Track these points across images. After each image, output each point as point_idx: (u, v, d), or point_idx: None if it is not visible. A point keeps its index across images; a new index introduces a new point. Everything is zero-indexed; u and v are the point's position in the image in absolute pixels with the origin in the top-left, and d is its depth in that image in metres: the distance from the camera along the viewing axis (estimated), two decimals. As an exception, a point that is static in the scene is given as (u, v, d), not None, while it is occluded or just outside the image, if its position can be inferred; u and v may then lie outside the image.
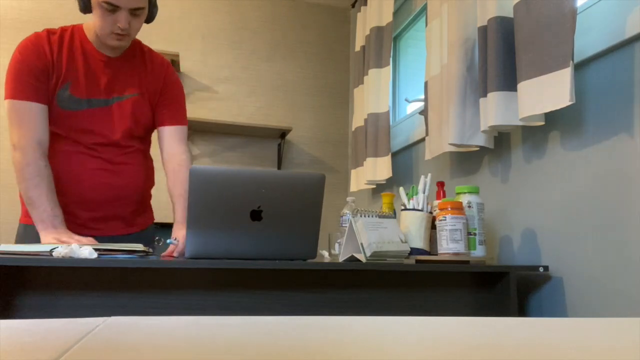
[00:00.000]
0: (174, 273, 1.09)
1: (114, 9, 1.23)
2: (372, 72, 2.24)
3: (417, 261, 1.32)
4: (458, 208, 1.32)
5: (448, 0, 1.65)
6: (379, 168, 2.14)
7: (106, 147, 1.37)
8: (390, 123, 2.39)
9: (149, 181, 1.54)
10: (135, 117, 1.39)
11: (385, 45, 2.21)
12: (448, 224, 1.31)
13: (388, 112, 2.15)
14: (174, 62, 2.75)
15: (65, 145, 1.34)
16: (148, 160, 1.52)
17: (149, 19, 1.36)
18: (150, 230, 1.57)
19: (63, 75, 1.30)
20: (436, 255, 1.32)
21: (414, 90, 2.48)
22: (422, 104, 2.18)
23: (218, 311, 1.10)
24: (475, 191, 1.38)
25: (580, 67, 1.25)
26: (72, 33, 1.34)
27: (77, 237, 1.22)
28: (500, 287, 1.25)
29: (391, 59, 2.31)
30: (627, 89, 1.11)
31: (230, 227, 1.09)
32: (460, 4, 1.57)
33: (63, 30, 1.33)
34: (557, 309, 1.27)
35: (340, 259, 1.27)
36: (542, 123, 1.30)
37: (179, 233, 1.33)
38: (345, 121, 3.08)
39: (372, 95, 2.23)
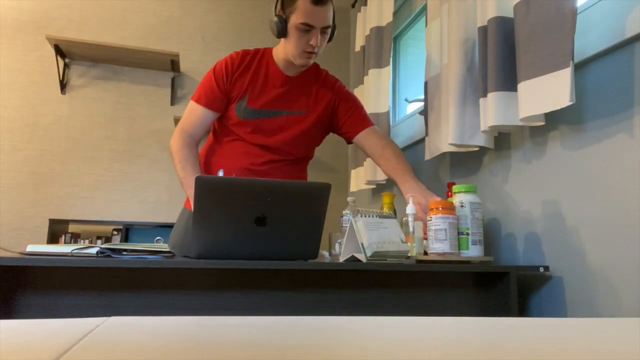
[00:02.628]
0: (174, 273, 1.09)
1: (309, 29, 1.44)
2: (372, 72, 2.24)
3: (418, 261, 1.32)
4: (448, 208, 1.32)
5: (448, 0, 1.65)
6: (378, 168, 2.14)
7: (263, 150, 1.56)
8: (390, 123, 2.39)
9: None
10: (297, 132, 1.58)
11: (385, 45, 2.21)
12: (433, 224, 1.32)
13: (388, 112, 2.15)
14: (174, 62, 2.75)
15: (234, 143, 1.58)
16: (299, 173, 1.67)
17: (330, 38, 1.54)
18: None
19: (243, 90, 1.54)
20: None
21: (414, 90, 2.48)
22: (422, 104, 2.18)
23: (218, 311, 1.10)
24: (471, 190, 1.38)
25: (580, 67, 1.25)
26: (262, 55, 1.58)
27: None
28: (501, 287, 1.25)
29: (391, 59, 2.31)
30: (627, 89, 1.11)
31: (235, 232, 1.09)
32: (460, 4, 1.57)
33: (256, 52, 1.58)
34: (557, 309, 1.27)
35: (341, 259, 1.27)
36: (542, 123, 1.30)
37: (412, 190, 1.46)
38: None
39: (372, 95, 2.22)
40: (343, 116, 1.64)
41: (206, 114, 1.54)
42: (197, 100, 1.55)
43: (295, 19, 1.44)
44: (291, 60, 1.51)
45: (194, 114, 1.55)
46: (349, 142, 1.69)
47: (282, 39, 1.51)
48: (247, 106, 1.53)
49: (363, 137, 1.64)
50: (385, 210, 1.55)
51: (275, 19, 1.46)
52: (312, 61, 1.52)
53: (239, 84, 1.53)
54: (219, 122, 1.61)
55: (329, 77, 1.66)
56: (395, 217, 1.32)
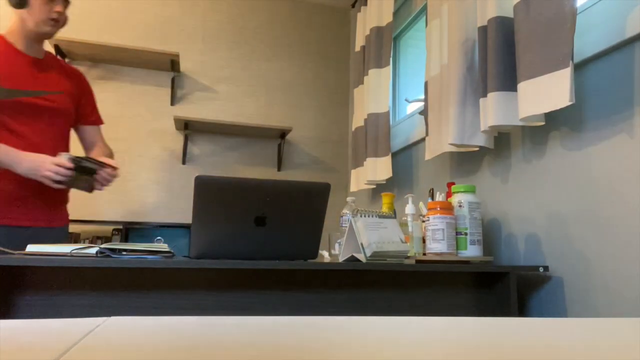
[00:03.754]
0: (174, 273, 1.09)
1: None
2: (372, 72, 2.24)
3: (417, 261, 1.32)
4: (446, 208, 1.32)
5: (448, 0, 1.65)
6: (379, 168, 2.14)
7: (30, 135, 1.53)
8: (390, 123, 2.39)
9: None
10: (59, 108, 1.60)
11: (385, 45, 2.21)
12: (431, 224, 1.32)
13: (388, 112, 2.15)
14: (174, 62, 2.75)
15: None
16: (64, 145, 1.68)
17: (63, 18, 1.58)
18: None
19: None
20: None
21: (414, 90, 2.48)
22: (422, 104, 2.18)
23: (218, 311, 1.10)
24: (470, 190, 1.38)
25: (580, 67, 1.25)
26: None
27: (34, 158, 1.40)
28: (500, 287, 1.25)
29: (391, 59, 2.31)
30: (627, 89, 1.11)
31: (234, 231, 1.09)
32: (460, 4, 1.57)
33: None
34: (557, 309, 1.27)
35: (341, 259, 1.27)
36: (542, 123, 1.30)
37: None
38: (345, 121, 3.08)
39: (372, 95, 2.23)
40: (84, 105, 1.72)
41: None
42: None
43: None
44: (34, 30, 1.51)
45: None
46: (76, 129, 1.75)
47: (21, 13, 1.50)
48: (1, 86, 1.48)
49: (91, 131, 1.75)
50: (385, 210, 1.55)
51: None
52: (57, 30, 1.54)
53: None
54: None
55: (72, 66, 1.71)
56: (395, 217, 1.32)
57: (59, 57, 1.70)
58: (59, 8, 1.50)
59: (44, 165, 1.40)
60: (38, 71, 1.57)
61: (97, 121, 1.78)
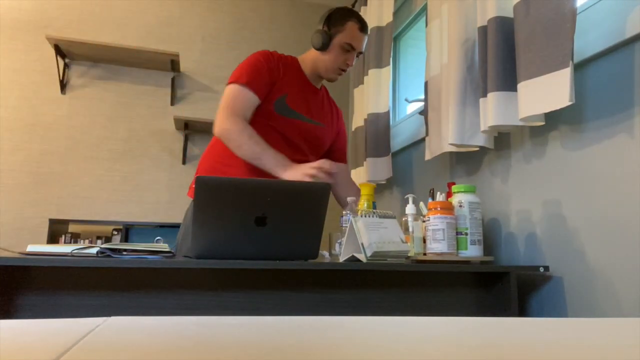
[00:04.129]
0: (174, 273, 1.09)
1: (350, 50, 1.58)
2: (372, 72, 2.24)
3: (417, 261, 1.32)
4: (446, 208, 1.32)
5: (448, 0, 1.65)
6: (379, 168, 2.14)
7: (296, 144, 1.61)
8: (390, 123, 2.39)
9: None
10: (321, 139, 1.68)
11: (385, 45, 2.21)
12: (431, 224, 1.32)
13: (388, 112, 2.15)
14: (174, 62, 2.75)
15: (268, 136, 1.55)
16: None
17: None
18: None
19: (284, 87, 1.57)
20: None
21: (414, 90, 2.48)
22: (422, 104, 2.18)
23: (218, 311, 1.10)
24: (470, 190, 1.38)
25: (580, 67, 1.25)
26: (292, 61, 1.64)
27: (312, 164, 1.41)
28: (501, 287, 1.25)
29: (391, 59, 2.31)
30: (627, 89, 1.11)
31: (235, 232, 1.09)
32: (460, 4, 1.57)
33: (284, 56, 1.63)
34: (557, 309, 1.27)
35: (341, 259, 1.27)
36: (542, 123, 1.30)
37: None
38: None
39: (372, 95, 2.23)
40: (338, 144, 1.80)
41: (254, 99, 1.51)
42: (247, 85, 1.49)
43: (341, 38, 1.57)
44: (321, 73, 1.63)
45: (243, 97, 1.49)
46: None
47: (317, 52, 1.61)
48: (287, 104, 1.57)
49: (341, 168, 1.74)
50: (364, 202, 1.54)
51: (322, 32, 1.57)
52: (338, 78, 1.64)
53: (283, 79, 1.58)
54: (256, 117, 1.55)
55: (335, 104, 1.81)
56: (395, 217, 1.32)
57: (329, 93, 1.78)
58: (351, 61, 1.59)
59: (306, 169, 1.38)
60: (316, 101, 1.67)
61: (345, 160, 1.82)
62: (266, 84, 1.53)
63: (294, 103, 1.58)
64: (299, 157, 1.60)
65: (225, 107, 1.48)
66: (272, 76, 1.55)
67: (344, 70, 1.61)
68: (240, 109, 1.48)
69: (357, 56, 1.63)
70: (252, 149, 1.42)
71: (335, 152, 1.80)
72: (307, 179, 1.34)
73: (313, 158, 1.66)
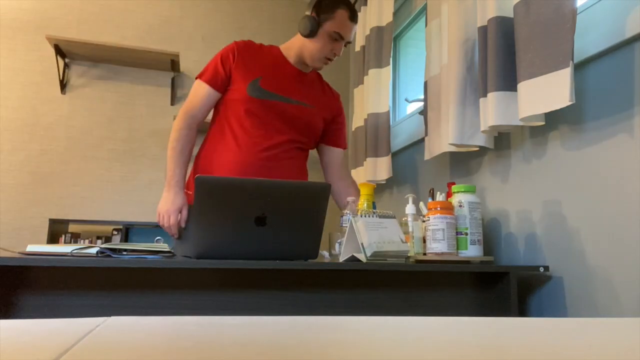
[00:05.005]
0: (174, 273, 1.09)
1: (338, 39, 1.55)
2: (372, 72, 2.24)
3: (417, 261, 1.32)
4: (446, 208, 1.32)
5: (448, 0, 1.65)
6: (379, 168, 2.14)
7: (277, 125, 1.59)
8: (391, 123, 2.39)
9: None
10: (307, 120, 1.64)
11: (385, 45, 2.21)
12: (431, 224, 1.32)
13: (388, 112, 2.15)
14: (174, 62, 2.75)
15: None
16: (301, 162, 1.71)
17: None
18: None
19: (256, 71, 1.56)
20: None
21: (414, 90, 2.48)
22: (422, 104, 2.18)
23: (218, 311, 1.10)
24: (469, 190, 1.38)
25: (580, 67, 1.25)
26: (270, 48, 1.63)
27: (173, 200, 1.46)
28: (500, 287, 1.25)
29: (391, 59, 2.31)
30: (627, 89, 1.11)
31: (235, 232, 1.09)
32: (460, 4, 1.57)
33: (262, 45, 1.63)
34: (557, 309, 1.27)
35: (341, 259, 1.27)
36: (542, 123, 1.30)
37: None
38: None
39: (372, 95, 2.23)
40: (333, 126, 1.76)
41: (213, 94, 1.57)
42: (205, 80, 1.57)
43: (329, 26, 1.53)
44: (306, 60, 1.59)
45: (198, 93, 1.57)
46: (318, 147, 1.80)
47: (304, 39, 1.57)
48: (261, 86, 1.55)
49: (334, 153, 1.79)
50: (365, 202, 1.54)
51: (310, 18, 1.53)
52: (324, 66, 1.61)
53: (250, 65, 1.56)
54: (225, 106, 1.59)
55: (332, 88, 1.76)
56: (395, 217, 1.32)
57: (323, 78, 1.76)
58: (338, 50, 1.56)
59: (168, 215, 1.46)
60: (300, 82, 1.63)
61: (341, 145, 1.80)
62: (222, 78, 1.56)
63: (269, 85, 1.56)
64: (278, 137, 1.57)
65: (185, 104, 1.60)
66: (226, 67, 1.56)
67: (330, 60, 1.58)
68: (194, 107, 1.57)
69: (345, 46, 1.59)
70: (168, 150, 1.55)
71: (330, 136, 1.77)
72: (163, 209, 1.46)
73: (299, 137, 1.62)
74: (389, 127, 2.13)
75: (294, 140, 1.61)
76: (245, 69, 1.56)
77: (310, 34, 1.54)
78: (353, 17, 1.55)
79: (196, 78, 1.60)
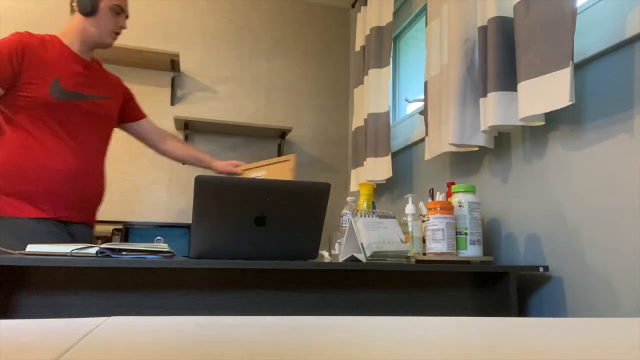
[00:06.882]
0: (174, 273, 1.09)
1: (120, 12, 1.57)
2: (372, 72, 2.24)
3: (417, 261, 1.32)
4: (446, 208, 1.32)
5: (448, 0, 1.65)
6: (379, 168, 2.14)
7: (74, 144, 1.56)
8: (391, 123, 2.39)
9: None
10: (106, 118, 1.66)
11: (385, 45, 2.21)
12: (431, 224, 1.32)
13: (388, 112, 2.15)
14: (174, 62, 2.75)
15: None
16: (101, 164, 1.71)
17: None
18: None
19: (50, 71, 1.50)
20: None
21: (414, 90, 2.48)
22: (422, 104, 2.18)
23: (218, 311, 1.10)
24: (469, 190, 1.38)
25: (580, 67, 1.25)
26: (51, 40, 1.55)
27: None
28: (500, 287, 1.25)
29: (391, 59, 2.31)
30: (627, 89, 1.11)
31: (234, 232, 1.09)
32: (460, 4, 1.57)
33: (42, 36, 1.53)
34: (557, 309, 1.27)
35: (340, 259, 1.27)
36: (542, 123, 1.30)
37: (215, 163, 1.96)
38: (345, 121, 3.08)
39: (372, 95, 2.23)
40: (127, 105, 1.79)
41: None
42: None
43: (108, 1, 1.54)
44: (94, 39, 1.56)
45: None
46: (123, 127, 1.83)
47: (85, 19, 1.54)
48: (62, 87, 1.49)
49: (142, 124, 1.85)
50: (365, 202, 1.54)
51: None
52: (114, 41, 1.61)
53: (44, 63, 1.48)
54: (16, 109, 1.46)
55: (109, 71, 1.74)
56: (395, 217, 1.33)
57: (99, 60, 1.73)
58: (123, 23, 1.58)
59: None
60: (89, 75, 1.61)
61: (142, 116, 1.85)
62: (8, 76, 1.43)
63: (69, 84, 1.51)
64: (80, 140, 1.54)
65: None
66: (15, 64, 1.43)
67: (117, 34, 1.59)
68: None
69: (126, 18, 1.61)
70: None
71: (129, 114, 1.79)
72: None
73: (101, 140, 1.62)
74: (389, 127, 2.13)
75: (101, 149, 1.63)
76: (41, 68, 1.47)
77: (92, 12, 1.52)
78: None
79: None
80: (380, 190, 2.45)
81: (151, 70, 2.86)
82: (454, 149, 1.59)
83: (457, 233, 1.35)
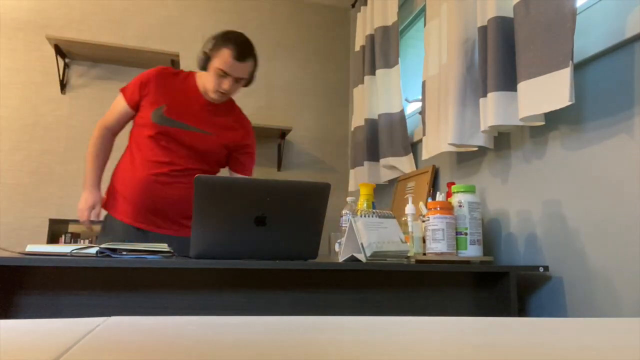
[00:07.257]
0: (174, 273, 1.09)
1: (224, 75, 1.61)
2: (380, 73, 2.22)
3: (417, 261, 1.32)
4: (446, 208, 1.32)
5: (447, 0, 1.65)
6: (399, 166, 2.05)
7: (168, 154, 1.69)
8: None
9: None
10: (203, 148, 1.72)
11: (393, 44, 2.20)
12: (431, 224, 1.32)
13: (402, 111, 2.10)
14: (174, 62, 2.75)
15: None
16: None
17: (246, 85, 1.74)
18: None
19: (163, 99, 1.66)
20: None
21: (414, 90, 2.48)
22: (421, 104, 2.18)
23: (218, 311, 1.10)
24: (469, 190, 1.38)
25: (580, 67, 1.25)
26: (187, 76, 1.72)
27: (86, 198, 1.66)
28: (500, 287, 1.25)
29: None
30: (627, 89, 1.11)
31: (234, 231, 1.09)
32: (460, 4, 1.57)
33: (181, 72, 1.73)
34: (557, 309, 1.27)
35: (341, 259, 1.27)
36: (542, 123, 1.30)
37: None
38: (345, 121, 3.08)
39: (382, 95, 2.19)
40: (239, 154, 1.81)
41: (126, 110, 1.70)
42: (123, 92, 1.70)
43: (215, 63, 1.61)
44: (204, 90, 1.69)
45: (116, 108, 1.72)
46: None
47: (201, 71, 1.71)
48: (164, 114, 1.65)
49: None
50: (365, 202, 1.53)
51: (202, 54, 1.65)
52: (223, 99, 1.69)
53: (159, 93, 1.67)
54: (134, 128, 1.72)
55: (243, 115, 1.82)
56: (394, 217, 1.33)
57: (237, 105, 1.83)
58: (226, 85, 1.62)
59: (82, 212, 1.64)
60: (206, 111, 1.70)
61: (245, 173, 1.85)
62: (136, 101, 1.69)
63: (173, 113, 1.66)
64: (176, 160, 1.67)
65: (104, 115, 1.77)
66: (141, 91, 1.68)
67: (223, 93, 1.65)
68: (110, 121, 1.73)
69: (238, 81, 1.65)
70: (87, 163, 1.73)
71: (235, 162, 1.83)
72: (80, 206, 1.65)
73: (199, 164, 1.71)
74: (405, 126, 2.06)
75: (192, 168, 1.70)
76: (154, 97, 1.66)
77: (203, 68, 1.66)
78: (239, 57, 1.59)
79: (120, 90, 1.71)
80: (380, 190, 2.45)
81: (151, 70, 2.85)
82: (453, 148, 1.59)
83: (457, 233, 1.35)
